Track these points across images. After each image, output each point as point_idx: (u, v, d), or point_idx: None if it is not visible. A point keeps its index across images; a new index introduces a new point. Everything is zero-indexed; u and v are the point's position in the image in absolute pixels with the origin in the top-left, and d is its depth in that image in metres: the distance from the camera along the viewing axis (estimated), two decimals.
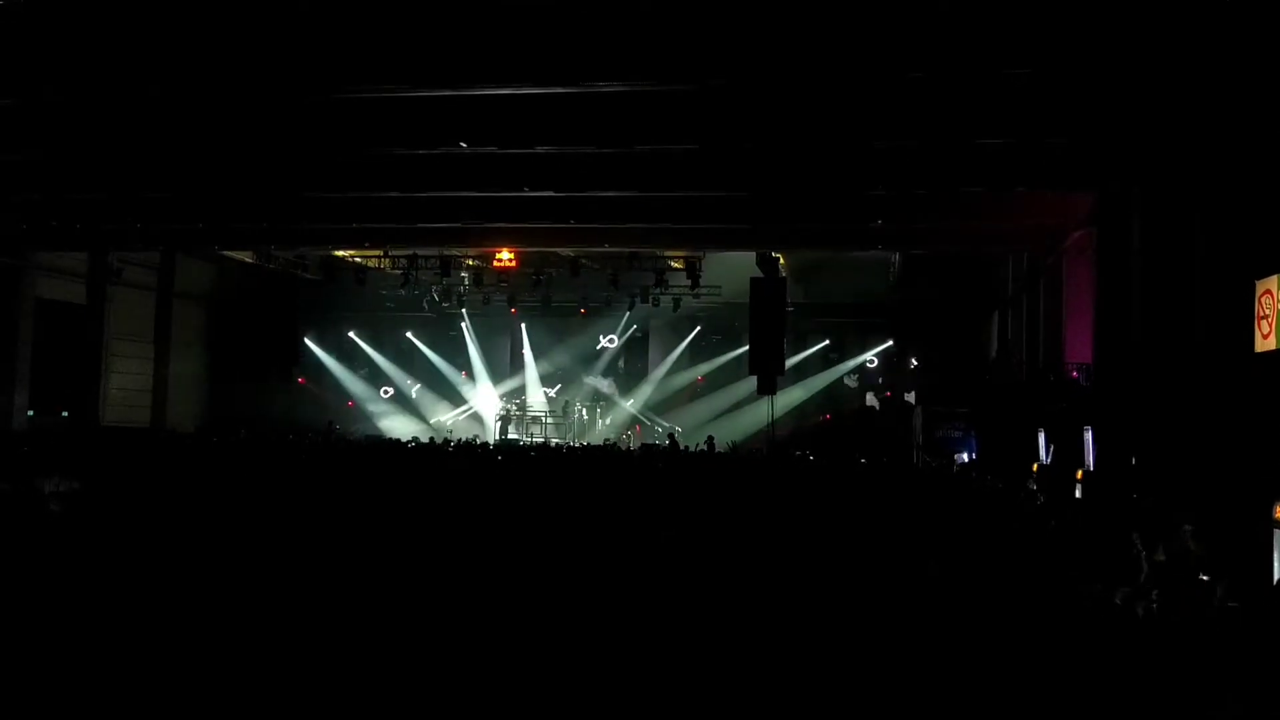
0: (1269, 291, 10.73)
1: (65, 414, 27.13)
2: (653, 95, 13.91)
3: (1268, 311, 10.75)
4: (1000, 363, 19.98)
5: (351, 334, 36.04)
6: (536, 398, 34.58)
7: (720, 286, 29.38)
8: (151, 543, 7.37)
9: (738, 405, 32.98)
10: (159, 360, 31.43)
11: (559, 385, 34.99)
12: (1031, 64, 12.03)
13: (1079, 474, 12.77)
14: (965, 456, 18.51)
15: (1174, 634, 5.51)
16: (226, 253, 29.33)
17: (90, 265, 28.32)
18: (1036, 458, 15.13)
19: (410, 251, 28.81)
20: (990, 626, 5.62)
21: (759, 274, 26.19)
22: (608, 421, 33.74)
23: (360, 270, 30.38)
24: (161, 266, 31.28)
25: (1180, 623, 5.73)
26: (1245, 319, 10.89)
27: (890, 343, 32.24)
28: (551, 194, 19.22)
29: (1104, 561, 7.12)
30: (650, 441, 29.20)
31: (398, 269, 29.96)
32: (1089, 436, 13.54)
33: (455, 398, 35.33)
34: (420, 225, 23.05)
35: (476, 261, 30.33)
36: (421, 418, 34.87)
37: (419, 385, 35.71)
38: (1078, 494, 12.28)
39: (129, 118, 16.07)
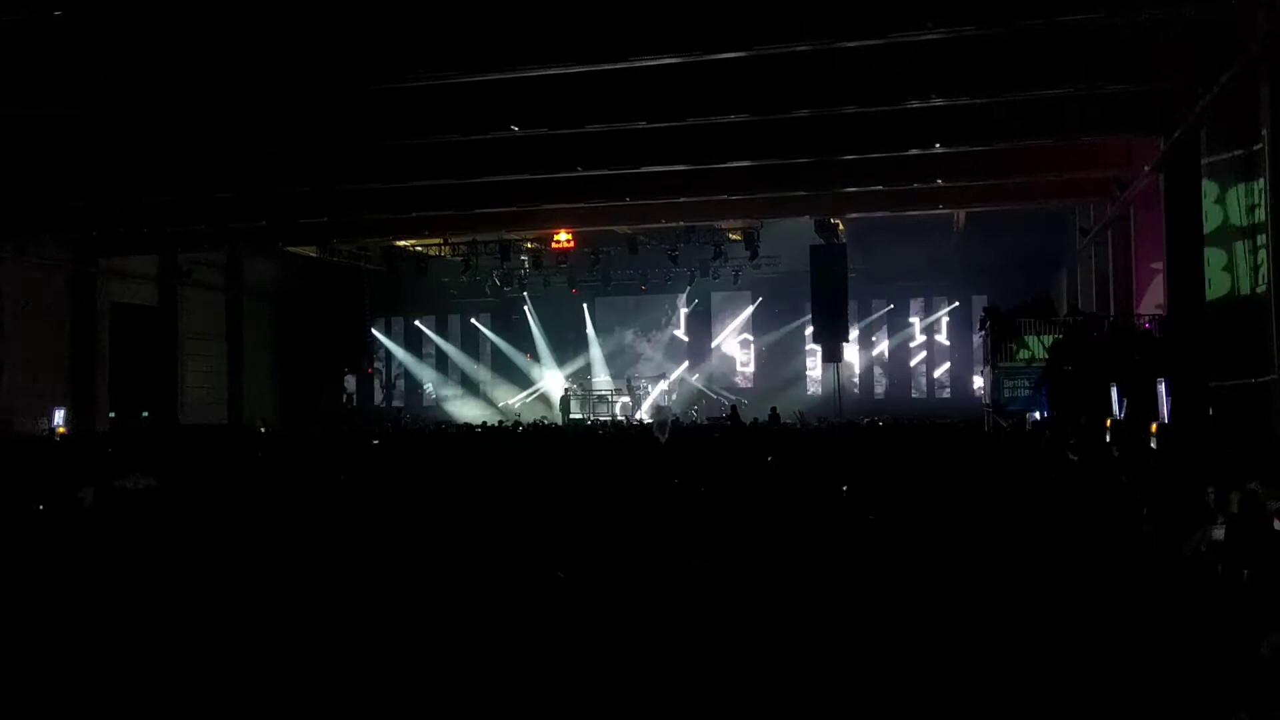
0: None
1: (145, 414, 27.83)
2: (701, 66, 13.81)
3: None
4: (1071, 318, 19.59)
5: (417, 322, 36.50)
6: (601, 376, 34.73)
7: (779, 256, 29.15)
8: (227, 539, 7.54)
9: (803, 374, 32.85)
10: (232, 357, 32.09)
11: (622, 364, 35.10)
12: (1095, 8, 11.72)
13: (1154, 427, 12.51)
14: (1037, 415, 18.20)
15: (1247, 583, 5.39)
16: (291, 249, 29.81)
17: (160, 268, 28.97)
18: (1110, 412, 14.83)
19: (469, 238, 29.00)
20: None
21: (818, 241, 25.96)
22: (674, 396, 33.77)
23: (421, 259, 30.66)
24: (229, 265, 31.90)
25: (1254, 573, 5.60)
26: None
27: (956, 304, 31.82)
28: (605, 172, 19.23)
29: (1178, 513, 6.98)
30: (716, 415, 29.21)
31: (458, 256, 30.18)
32: (1163, 389, 13.25)
33: (522, 380, 35.62)
34: (477, 211, 23.24)
35: (535, 244, 30.44)
36: (490, 401, 35.22)
37: (486, 369, 36.08)
38: (1153, 446, 12.03)
39: (190, 120, 16.38)
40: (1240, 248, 13.96)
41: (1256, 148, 12.76)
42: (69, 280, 26.22)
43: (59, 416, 25.00)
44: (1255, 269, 13.07)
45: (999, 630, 5.02)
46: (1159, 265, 17.94)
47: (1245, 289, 13.68)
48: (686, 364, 35.06)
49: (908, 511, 8.27)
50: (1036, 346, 19.20)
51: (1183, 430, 12.29)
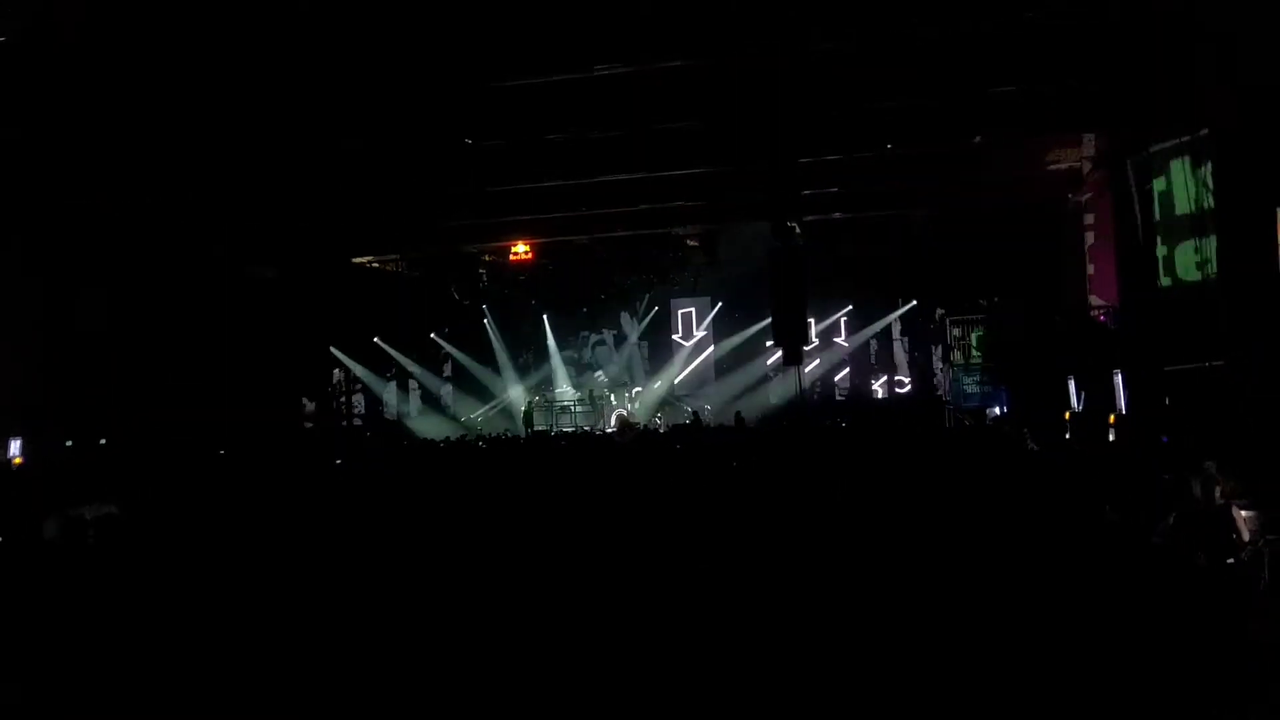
0: None
1: (103, 441, 27.38)
2: (655, 74, 13.89)
3: None
4: (1024, 314, 19.89)
5: (376, 339, 36.19)
6: (563, 387, 34.64)
7: (739, 260, 29.21)
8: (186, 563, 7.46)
9: (766, 377, 32.94)
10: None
11: (585, 374, 35.05)
12: (1036, 8, 11.92)
13: (1111, 419, 12.68)
14: (997, 410, 18.43)
15: (1207, 570, 5.48)
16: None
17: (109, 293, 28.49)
18: (1068, 405, 15.03)
19: (426, 251, 28.85)
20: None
21: (777, 244, 26.06)
22: (636, 405, 33.74)
23: (378, 274, 30.43)
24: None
25: (1213, 559, 5.70)
26: (1268, 247, 10.75)
27: (915, 302, 32.03)
28: (561, 182, 19.24)
29: (1136, 502, 7.08)
30: (679, 421, 29.23)
31: (415, 271, 30.00)
32: (1119, 380, 13.44)
33: (483, 393, 35.43)
34: (434, 225, 23.15)
35: (493, 256, 30.34)
36: (452, 416, 35.01)
37: (446, 384, 35.85)
38: (1111, 438, 12.20)
39: (132, 138, 16.14)
40: (1188, 235, 14.24)
41: (1203, 133, 13.01)
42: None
43: (15, 446, 24.54)
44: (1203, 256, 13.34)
45: (978, 628, 5.07)
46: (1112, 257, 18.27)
47: (1194, 276, 13.95)
48: (648, 372, 35.06)
49: (870, 509, 8.33)
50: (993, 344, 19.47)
51: (1139, 419, 12.47)
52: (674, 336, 34.85)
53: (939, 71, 14.12)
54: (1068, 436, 13.67)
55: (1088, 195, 20.25)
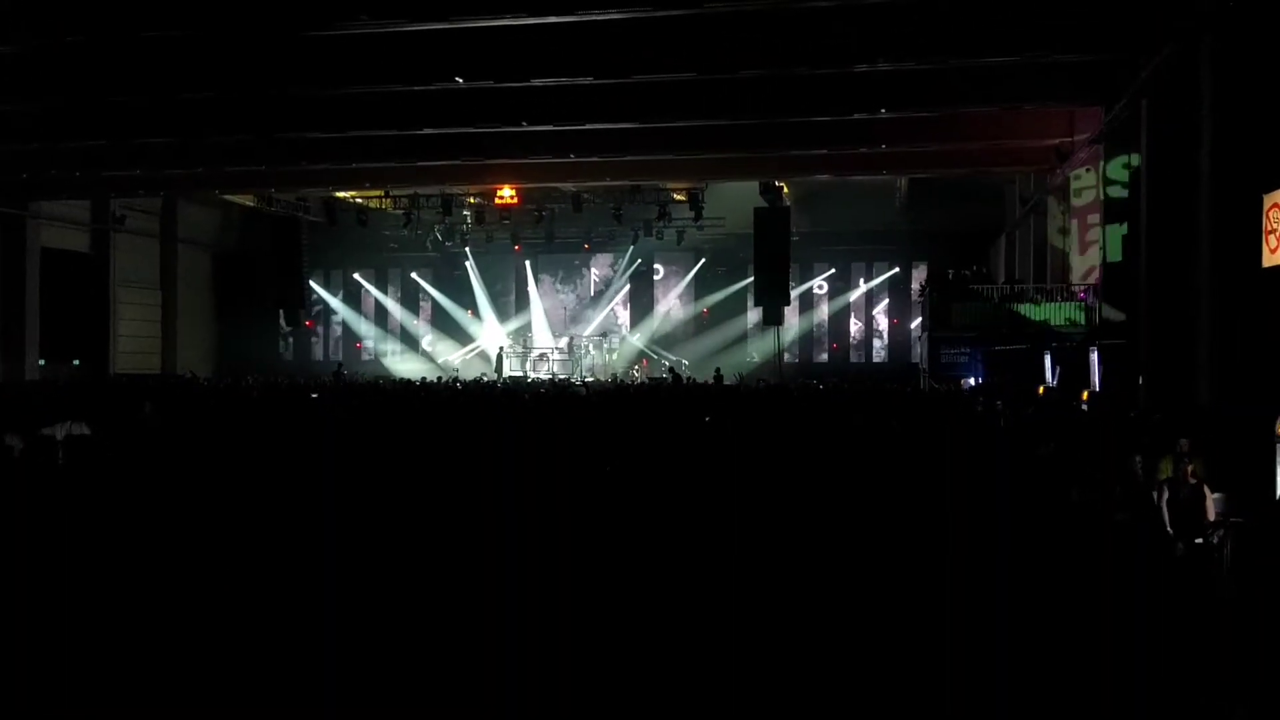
0: (1277, 205, 10.63)
1: (76, 362, 27.26)
2: (649, 22, 13.70)
3: (1276, 226, 10.66)
4: (1009, 286, 19.96)
5: (356, 275, 36.01)
6: (543, 334, 34.57)
7: (724, 218, 29.15)
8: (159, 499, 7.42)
9: (745, 336, 33.00)
10: (166, 306, 31.51)
11: (565, 322, 34.98)
12: None
13: (1084, 394, 12.77)
14: (972, 380, 18.51)
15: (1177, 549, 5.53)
16: (228, 197, 29.20)
17: (93, 213, 28.27)
18: (1043, 380, 15.12)
19: (411, 191, 28.59)
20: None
21: (762, 204, 25.99)
22: (615, 356, 33.74)
23: (362, 211, 30.19)
24: (164, 213, 31.19)
25: (1182, 536, 5.75)
26: (1253, 233, 10.79)
27: (896, 269, 32.11)
28: (550, 128, 19.01)
29: (1103, 481, 7.14)
30: (658, 375, 29.25)
31: (399, 209, 29.79)
32: (1094, 357, 13.51)
33: (462, 336, 35.36)
34: (419, 163, 22.88)
35: (478, 199, 30.12)
36: (429, 357, 34.96)
37: (426, 325, 35.74)
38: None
39: (125, 63, 15.92)
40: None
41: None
42: None
43: None
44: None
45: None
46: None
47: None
48: (628, 323, 35.02)
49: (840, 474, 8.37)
50: (973, 315, 19.56)
51: (1112, 398, 12.57)
52: (655, 290, 34.80)
53: (933, 36, 14.01)
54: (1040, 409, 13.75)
55: (1075, 171, 20.20)
